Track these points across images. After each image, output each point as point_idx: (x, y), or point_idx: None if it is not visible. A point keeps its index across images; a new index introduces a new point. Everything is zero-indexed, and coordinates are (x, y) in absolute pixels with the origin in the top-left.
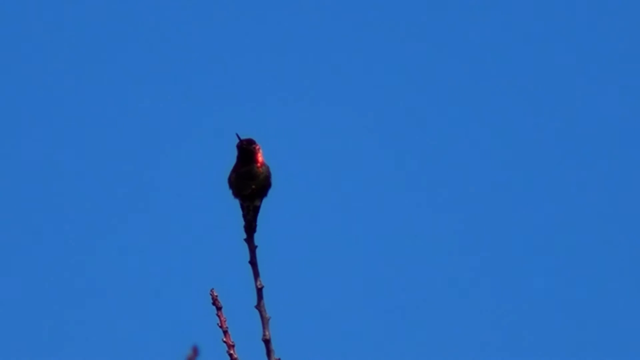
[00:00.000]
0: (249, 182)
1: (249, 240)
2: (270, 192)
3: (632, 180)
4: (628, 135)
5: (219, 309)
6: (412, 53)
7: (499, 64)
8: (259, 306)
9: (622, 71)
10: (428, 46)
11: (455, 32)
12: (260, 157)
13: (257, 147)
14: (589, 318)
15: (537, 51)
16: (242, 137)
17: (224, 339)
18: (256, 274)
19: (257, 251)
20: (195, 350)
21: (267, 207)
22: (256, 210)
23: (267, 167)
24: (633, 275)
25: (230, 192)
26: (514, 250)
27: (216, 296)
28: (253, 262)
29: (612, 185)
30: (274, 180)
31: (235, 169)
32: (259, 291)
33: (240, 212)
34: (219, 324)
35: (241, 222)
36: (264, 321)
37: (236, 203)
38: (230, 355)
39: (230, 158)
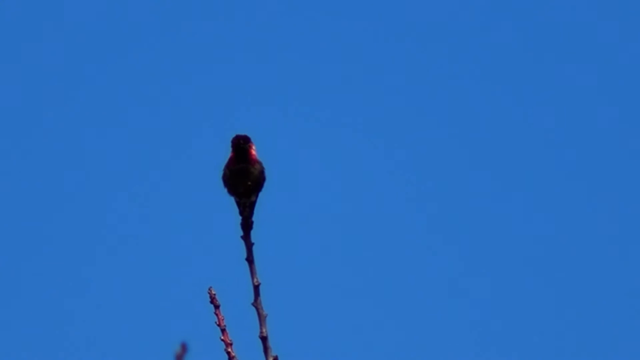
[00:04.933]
0: (244, 179)
1: (246, 237)
2: (267, 189)
3: (632, 180)
4: (628, 135)
5: (216, 307)
6: (412, 53)
7: (499, 64)
8: (255, 303)
9: (622, 71)
10: (428, 46)
11: (456, 32)
12: (253, 154)
13: (251, 144)
14: (589, 318)
15: (537, 51)
16: (237, 134)
17: (222, 337)
18: (253, 272)
19: (254, 248)
20: (184, 348)
21: (264, 204)
22: (252, 206)
23: (261, 163)
24: (633, 275)
25: (225, 190)
26: (514, 250)
27: (214, 295)
28: (250, 260)
29: (611, 185)
30: (268, 176)
31: (229, 166)
32: (256, 288)
33: (236, 210)
34: (217, 322)
35: (237, 220)
36: (261, 318)
37: (232, 200)
38: (228, 353)
39: (225, 155)
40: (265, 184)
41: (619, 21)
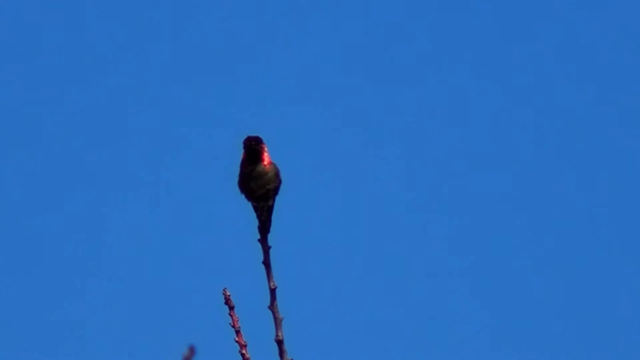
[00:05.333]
0: (260, 182)
1: (263, 241)
2: (284, 192)
3: (631, 180)
4: (628, 135)
5: (231, 308)
6: (416, 55)
7: (499, 65)
8: (272, 307)
9: (621, 72)
10: (429, 47)
11: (455, 33)
12: (266, 156)
13: (264, 146)
14: (588, 318)
15: (537, 52)
16: (249, 135)
17: (236, 339)
18: (269, 275)
19: (271, 252)
20: (192, 350)
21: (281, 208)
22: (270, 210)
23: (275, 165)
24: (632, 275)
25: (242, 194)
26: (514, 250)
27: (229, 296)
28: (266, 263)
29: (611, 185)
30: (286, 179)
31: (243, 171)
32: (272, 292)
33: (253, 213)
34: (232, 324)
35: (255, 223)
36: (277, 322)
37: (249, 204)
38: (243, 355)
39: (238, 157)
40: (282, 187)
41: (618, 21)
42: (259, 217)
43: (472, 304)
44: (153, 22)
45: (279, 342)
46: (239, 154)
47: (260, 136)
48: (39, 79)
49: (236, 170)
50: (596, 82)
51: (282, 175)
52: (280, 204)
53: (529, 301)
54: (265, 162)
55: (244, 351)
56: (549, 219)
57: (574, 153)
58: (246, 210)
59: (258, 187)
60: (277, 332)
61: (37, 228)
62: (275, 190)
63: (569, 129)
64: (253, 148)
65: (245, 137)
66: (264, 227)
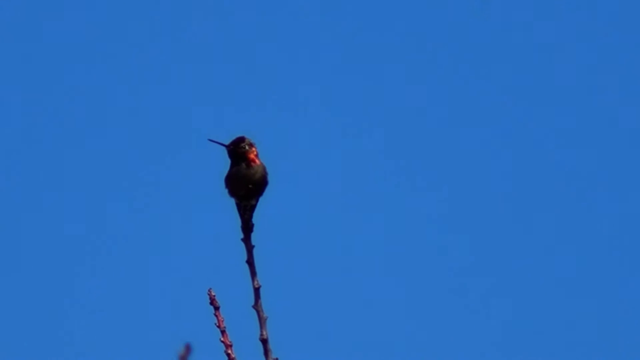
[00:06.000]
0: (244, 182)
1: (246, 239)
2: (268, 191)
3: (630, 181)
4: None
5: (216, 308)
6: (414, 54)
7: (498, 65)
8: (256, 306)
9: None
10: (430, 47)
11: (455, 33)
12: (253, 155)
13: (250, 146)
14: (588, 318)
15: (536, 52)
16: (237, 136)
17: (222, 339)
18: (253, 274)
19: (254, 251)
20: (188, 348)
21: (264, 206)
22: (253, 208)
23: (263, 166)
24: (632, 275)
25: (226, 191)
26: (515, 251)
27: (214, 296)
28: (250, 262)
29: (610, 185)
30: (270, 178)
31: (231, 169)
32: (256, 291)
33: (236, 212)
34: (217, 324)
35: (238, 222)
36: (262, 321)
37: (232, 202)
38: (228, 355)
39: (226, 157)
40: (267, 190)
41: (619, 21)
42: (242, 216)
43: (468, 301)
44: (153, 22)
45: (264, 341)
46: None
47: (248, 136)
48: (38, 78)
49: (221, 168)
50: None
51: (270, 174)
52: (264, 202)
53: (528, 301)
54: (253, 162)
55: (229, 351)
56: (549, 219)
57: (573, 156)
58: (230, 210)
59: (242, 185)
60: (261, 331)
61: (24, 227)
62: (260, 190)
63: (568, 130)
64: (235, 151)
65: (235, 137)
66: (247, 226)
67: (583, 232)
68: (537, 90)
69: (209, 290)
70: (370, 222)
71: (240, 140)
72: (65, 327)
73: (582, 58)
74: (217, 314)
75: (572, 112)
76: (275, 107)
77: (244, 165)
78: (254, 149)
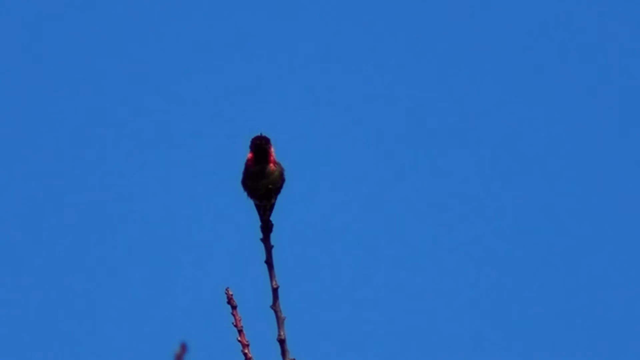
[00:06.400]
0: (264, 182)
1: (265, 240)
2: (287, 192)
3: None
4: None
5: (233, 307)
6: (419, 53)
7: (498, 65)
8: (274, 306)
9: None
10: (430, 47)
11: (456, 33)
12: (273, 156)
13: (270, 145)
14: (588, 318)
15: (536, 52)
16: (257, 135)
17: (239, 338)
18: (272, 274)
19: (273, 251)
20: (184, 348)
21: (284, 207)
22: (272, 208)
23: (280, 165)
24: (632, 275)
25: (244, 192)
26: (516, 250)
27: (231, 295)
28: (269, 262)
29: (609, 185)
30: (288, 178)
31: (248, 169)
32: (275, 291)
33: (255, 212)
34: (234, 323)
35: (257, 222)
36: (279, 321)
37: (251, 203)
38: (245, 354)
39: (243, 157)
40: (285, 186)
41: (618, 21)
42: (261, 216)
43: (476, 304)
44: (153, 22)
45: (281, 342)
46: (244, 152)
47: (268, 136)
48: (38, 78)
49: (239, 168)
50: (590, 82)
51: (286, 174)
52: (283, 203)
53: (528, 301)
54: (272, 162)
55: (246, 350)
56: (548, 219)
57: (570, 155)
58: (249, 210)
59: (263, 185)
60: (279, 332)
61: (38, 226)
62: (278, 189)
63: (571, 128)
64: (262, 148)
65: (254, 136)
66: (267, 226)
67: (583, 232)
68: (537, 91)
69: (226, 290)
70: (390, 222)
71: (265, 139)
72: (83, 325)
73: (582, 58)
74: (234, 313)
75: (573, 112)
76: (293, 105)
77: (264, 164)
78: (273, 149)
